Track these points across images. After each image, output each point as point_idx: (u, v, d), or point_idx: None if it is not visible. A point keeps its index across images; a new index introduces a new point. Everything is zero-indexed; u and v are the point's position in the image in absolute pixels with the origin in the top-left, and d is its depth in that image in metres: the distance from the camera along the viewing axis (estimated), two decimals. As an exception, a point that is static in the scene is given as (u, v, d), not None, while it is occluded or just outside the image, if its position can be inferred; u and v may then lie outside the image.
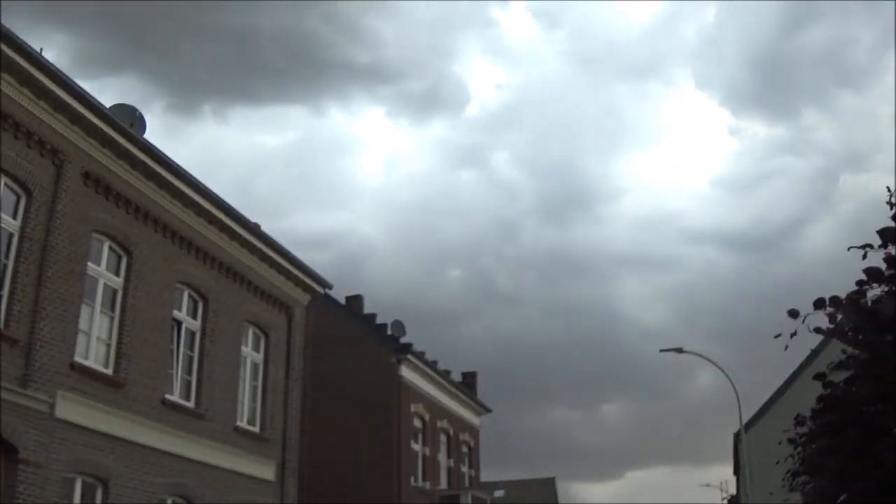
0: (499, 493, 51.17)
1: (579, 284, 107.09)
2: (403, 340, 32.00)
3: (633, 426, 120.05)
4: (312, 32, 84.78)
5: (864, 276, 3.31)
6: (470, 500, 32.91)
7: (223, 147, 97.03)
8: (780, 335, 3.78)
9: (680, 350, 29.00)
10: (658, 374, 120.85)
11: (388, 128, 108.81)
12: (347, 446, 29.47)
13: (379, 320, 33.04)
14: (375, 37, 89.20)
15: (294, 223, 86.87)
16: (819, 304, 3.54)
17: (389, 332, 32.38)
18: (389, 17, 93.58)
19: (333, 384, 30.07)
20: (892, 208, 3.00)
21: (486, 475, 48.71)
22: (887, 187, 3.09)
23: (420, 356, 32.80)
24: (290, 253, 21.69)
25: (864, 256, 3.22)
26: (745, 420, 29.07)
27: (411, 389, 31.94)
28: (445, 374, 35.73)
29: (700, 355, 29.05)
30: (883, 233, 2.79)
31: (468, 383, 38.47)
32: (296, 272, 22.10)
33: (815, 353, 33.72)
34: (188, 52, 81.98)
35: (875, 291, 3.23)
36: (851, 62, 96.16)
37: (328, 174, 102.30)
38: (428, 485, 32.35)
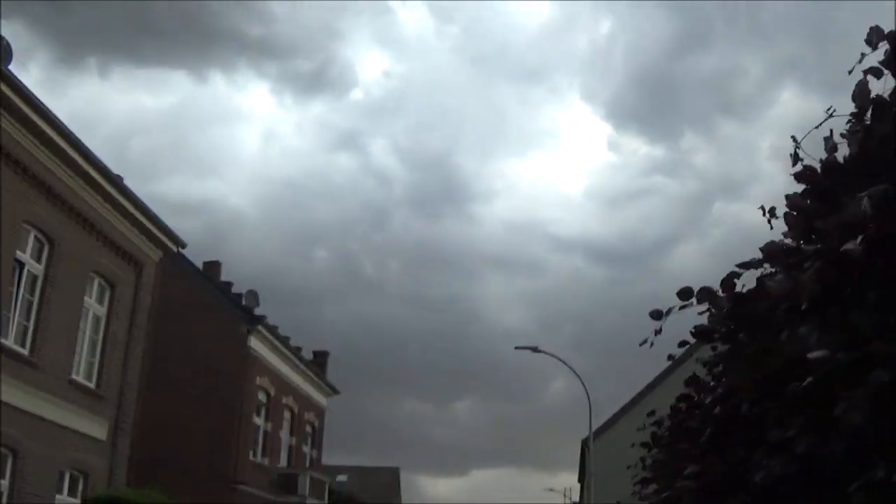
0: (341, 478, 51.04)
1: (444, 279, 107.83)
2: (257, 312, 31.39)
3: (484, 425, 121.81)
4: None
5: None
6: (309, 481, 32.63)
7: (104, 103, 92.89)
8: (645, 341, 3.52)
9: (535, 349, 29.45)
10: (514, 376, 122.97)
11: (270, 103, 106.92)
12: (187, 413, 28.65)
13: (235, 290, 32.31)
14: (268, 11, 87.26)
15: (166, 187, 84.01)
16: (685, 294, 3.17)
17: (244, 302, 31.69)
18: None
19: (179, 348, 29.22)
20: (770, 222, 2.91)
21: (330, 458, 48.35)
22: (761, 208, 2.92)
23: (272, 329, 32.26)
24: (145, 206, 20.89)
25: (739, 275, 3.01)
26: (594, 427, 29.83)
27: (259, 362, 31.38)
28: (296, 350, 35.30)
29: (554, 356, 29.62)
30: (767, 251, 2.75)
31: (319, 363, 38.14)
32: (150, 226, 21.29)
33: (672, 368, 35.10)
34: (77, 5, 77.93)
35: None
36: (737, 92, 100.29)
37: (205, 142, 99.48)
38: (267, 461, 31.87)
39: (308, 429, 36.78)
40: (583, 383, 28.51)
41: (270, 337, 32.09)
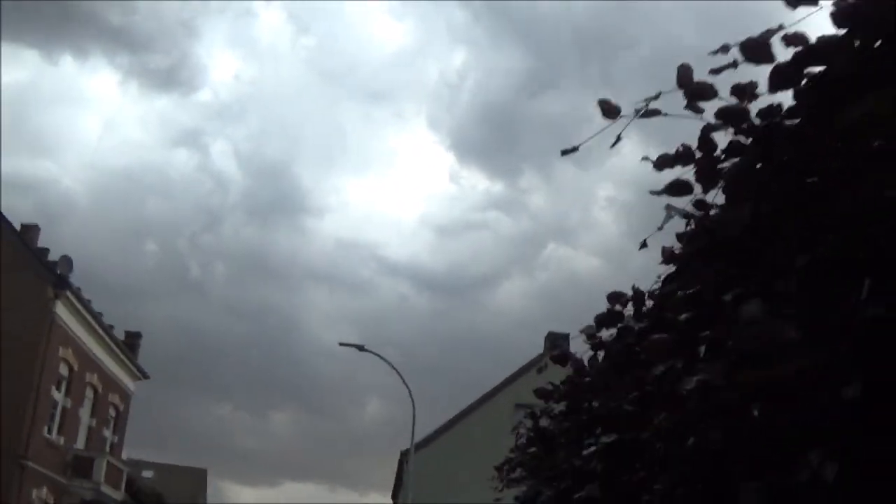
0: (147, 474, 48.39)
1: (269, 288, 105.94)
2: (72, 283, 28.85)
3: (299, 438, 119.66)
4: (68, -20, 77.53)
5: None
6: (105, 467, 30.21)
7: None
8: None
9: (361, 347, 28.40)
10: (332, 392, 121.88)
11: (117, 92, 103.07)
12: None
13: (52, 258, 29.48)
14: (130, 2, 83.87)
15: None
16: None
17: (58, 270, 28.94)
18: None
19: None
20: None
21: (136, 453, 46.16)
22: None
23: (82, 299, 29.78)
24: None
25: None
26: (413, 442, 28.98)
27: (64, 332, 28.83)
28: (108, 327, 32.82)
29: (379, 356, 28.65)
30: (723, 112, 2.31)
31: (130, 344, 35.61)
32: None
33: (490, 394, 34.64)
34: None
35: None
36: (579, 138, 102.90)
37: (45, 122, 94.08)
38: (62, 440, 29.22)
39: (111, 412, 34.16)
40: (407, 386, 27.70)
41: (79, 306, 29.60)
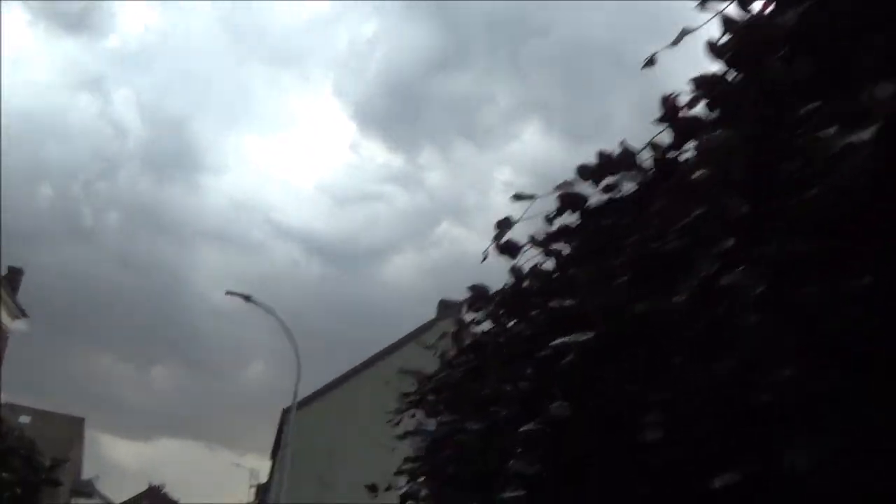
0: (24, 419, 46.67)
1: (160, 242, 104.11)
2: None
3: (178, 394, 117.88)
4: None
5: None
6: (-27, 404, 28.86)
7: None
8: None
9: (248, 297, 27.70)
10: (215, 351, 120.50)
11: (25, 30, 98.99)
12: None
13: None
14: None
15: None
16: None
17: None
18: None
19: None
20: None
21: (13, 398, 44.50)
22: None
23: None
24: None
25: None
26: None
27: (-61, 261, 27.38)
28: (-12, 262, 31.38)
29: (265, 308, 28.03)
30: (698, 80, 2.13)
31: (11, 280, 34.05)
32: None
33: (371, 361, 34.29)
34: None
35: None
36: (481, 119, 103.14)
37: None
38: (-73, 374, 27.77)
39: (-14, 349, 32.73)
40: (292, 339, 27.27)
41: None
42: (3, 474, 31.85)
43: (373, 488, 4.54)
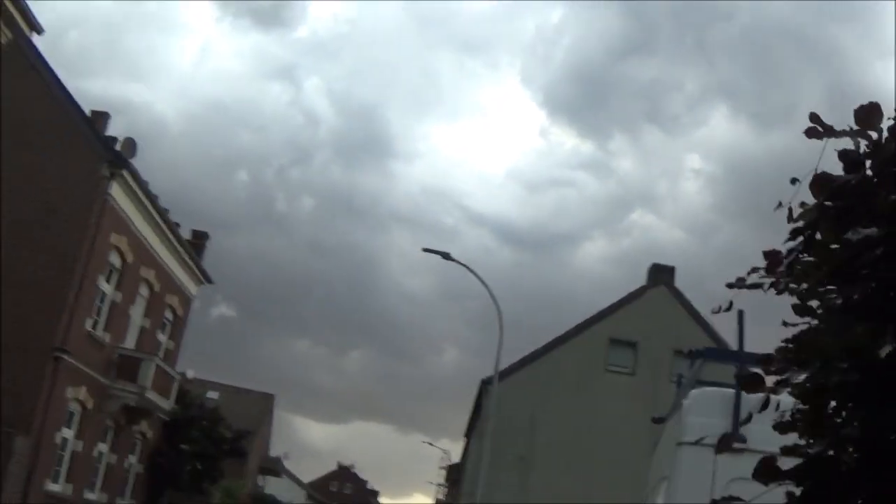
0: (212, 395, 46.21)
1: (353, 228, 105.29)
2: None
3: (373, 379, 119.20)
4: None
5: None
6: (153, 371, 27.28)
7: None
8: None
9: (447, 255, 24.91)
10: (410, 337, 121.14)
11: (213, 22, 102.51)
12: (14, 259, 22.91)
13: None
14: None
15: (94, 84, 78.17)
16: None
17: (118, 148, 25.68)
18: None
19: (21, 179, 23.45)
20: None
21: (203, 373, 44.62)
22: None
23: (143, 184, 26.65)
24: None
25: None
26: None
27: (118, 217, 25.76)
28: (174, 224, 29.83)
29: (465, 265, 25.05)
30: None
31: (196, 244, 32.60)
32: None
33: (581, 327, 30.92)
34: None
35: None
36: (668, 105, 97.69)
37: (141, 47, 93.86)
38: (108, 338, 26.32)
39: (168, 315, 31.25)
40: (492, 295, 24.15)
41: (139, 192, 26.49)
42: (183, 446, 30.38)
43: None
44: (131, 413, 27.84)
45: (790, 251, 2.49)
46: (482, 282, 24.48)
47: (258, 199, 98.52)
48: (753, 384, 2.59)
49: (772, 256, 2.53)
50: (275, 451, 61.51)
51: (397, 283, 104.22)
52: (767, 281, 2.55)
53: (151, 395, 27.37)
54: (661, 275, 31.32)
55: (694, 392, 4.92)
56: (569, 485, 26.66)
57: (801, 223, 2.43)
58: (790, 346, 2.54)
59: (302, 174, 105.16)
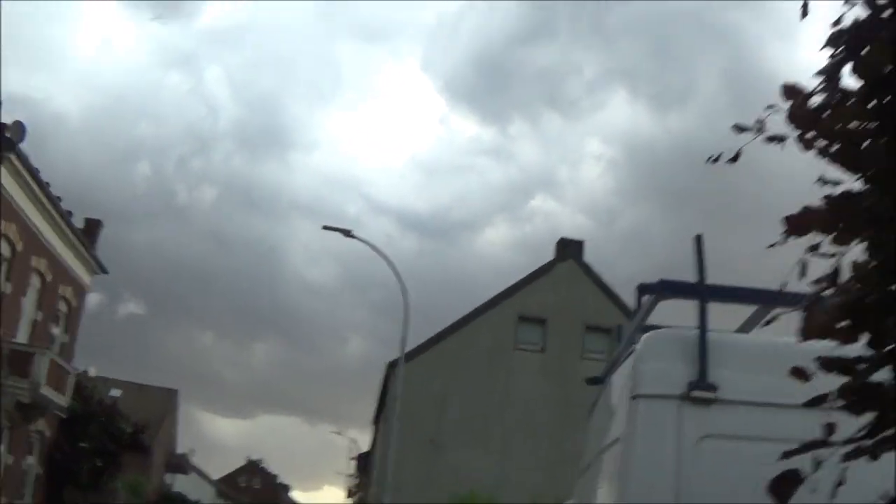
0: (115, 393, 44.69)
1: (255, 218, 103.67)
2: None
3: (278, 371, 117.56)
4: None
5: None
6: (48, 365, 26.08)
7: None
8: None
9: (347, 232, 24.47)
10: (314, 329, 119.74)
11: (112, 11, 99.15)
12: None
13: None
14: None
15: None
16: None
17: (7, 134, 24.29)
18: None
19: None
20: None
21: (108, 371, 44.21)
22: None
23: (32, 171, 25.41)
24: None
25: None
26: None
27: (6, 203, 24.48)
28: (66, 213, 28.55)
29: (367, 243, 24.70)
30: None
31: (89, 232, 31.29)
32: None
33: (490, 304, 30.87)
34: None
35: None
36: (567, 89, 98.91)
37: (39, 38, 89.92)
38: (-2, 331, 25.03)
39: (62, 306, 29.96)
40: (395, 271, 23.89)
41: (28, 177, 25.25)
42: (82, 444, 29.21)
43: None
44: (27, 410, 26.56)
45: (825, 77, 1.90)
46: (384, 256, 24.23)
47: (159, 191, 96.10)
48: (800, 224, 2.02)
49: (794, 93, 1.97)
50: (181, 448, 60.11)
51: (300, 274, 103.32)
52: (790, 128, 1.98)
53: (46, 391, 26.16)
54: (568, 249, 31.39)
55: (647, 335, 4.12)
56: (481, 464, 26.67)
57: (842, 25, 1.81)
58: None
59: (203, 164, 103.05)
